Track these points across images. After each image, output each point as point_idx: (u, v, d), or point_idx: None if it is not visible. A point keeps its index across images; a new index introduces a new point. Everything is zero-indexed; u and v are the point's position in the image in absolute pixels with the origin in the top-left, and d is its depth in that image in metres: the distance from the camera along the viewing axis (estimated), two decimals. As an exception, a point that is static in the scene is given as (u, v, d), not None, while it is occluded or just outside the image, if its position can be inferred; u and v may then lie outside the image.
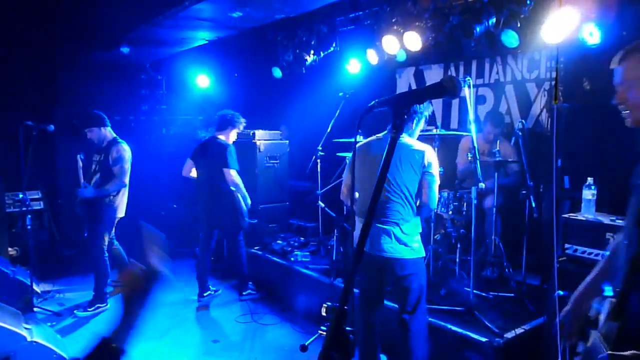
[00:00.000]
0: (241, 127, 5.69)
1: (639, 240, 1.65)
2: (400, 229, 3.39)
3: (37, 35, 6.39)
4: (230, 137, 5.60)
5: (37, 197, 6.76)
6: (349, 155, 5.27)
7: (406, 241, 3.39)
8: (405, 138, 3.49)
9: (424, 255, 3.53)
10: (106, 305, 5.41)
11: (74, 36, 6.40)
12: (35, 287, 5.30)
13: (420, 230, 3.55)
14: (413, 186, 3.41)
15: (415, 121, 3.53)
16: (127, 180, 5.35)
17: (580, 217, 3.78)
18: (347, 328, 1.19)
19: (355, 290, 3.82)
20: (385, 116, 3.34)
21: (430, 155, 3.44)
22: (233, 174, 5.39)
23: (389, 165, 1.29)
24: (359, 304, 3.73)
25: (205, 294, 5.63)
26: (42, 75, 7.20)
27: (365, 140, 3.74)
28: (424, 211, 3.50)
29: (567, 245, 3.72)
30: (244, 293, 5.74)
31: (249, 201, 5.60)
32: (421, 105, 3.48)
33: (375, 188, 1.31)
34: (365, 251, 3.42)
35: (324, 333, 1.21)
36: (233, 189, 5.43)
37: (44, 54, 6.99)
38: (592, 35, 4.08)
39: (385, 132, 3.61)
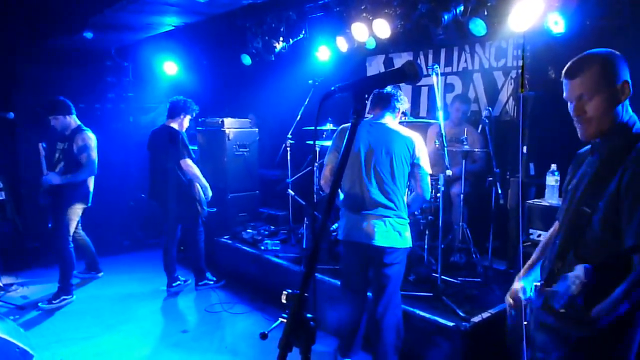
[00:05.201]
0: (194, 114, 5.55)
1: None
2: (395, 217, 3.40)
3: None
4: (184, 124, 5.46)
5: (-2, 187, 6.55)
6: (319, 143, 5.26)
7: (400, 230, 3.41)
8: (391, 123, 3.48)
9: (411, 245, 3.54)
10: (72, 297, 5.29)
11: (33, 20, 6.16)
12: (-3, 280, 5.17)
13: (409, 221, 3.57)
14: (403, 175, 3.43)
15: (396, 107, 3.51)
16: (94, 168, 5.24)
17: (544, 203, 3.86)
18: (308, 315, 1.18)
19: (338, 282, 3.85)
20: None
21: (421, 145, 3.46)
22: (190, 164, 5.27)
23: (349, 152, 1.28)
24: (346, 296, 3.72)
25: (174, 284, 5.57)
26: (1, 61, 6.94)
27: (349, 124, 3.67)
28: (418, 201, 3.55)
29: (531, 231, 3.80)
30: (200, 283, 5.68)
31: (210, 192, 5.50)
32: (398, 95, 3.49)
33: (336, 174, 1.29)
34: (354, 241, 3.45)
35: (285, 320, 1.19)
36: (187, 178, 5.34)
37: (2, 39, 6.72)
38: (557, 24, 4.14)
39: (371, 116, 3.56)
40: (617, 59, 1.83)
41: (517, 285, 2.12)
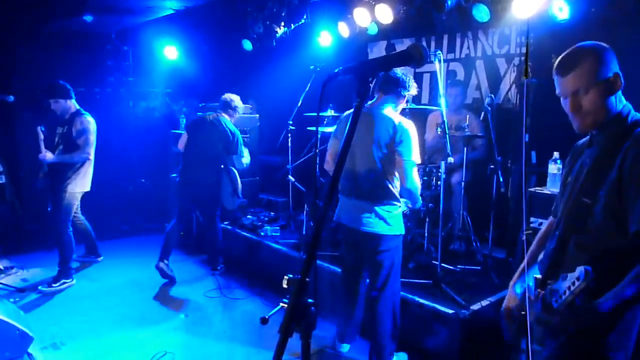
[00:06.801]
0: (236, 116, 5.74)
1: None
2: (380, 204, 3.35)
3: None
4: (232, 119, 5.62)
5: (-3, 171, 6.54)
6: (321, 129, 5.23)
7: (385, 217, 3.36)
8: (387, 110, 3.36)
9: (403, 233, 3.48)
10: (72, 280, 5.30)
11: (33, 2, 6.11)
12: (-3, 263, 5.17)
13: (404, 209, 3.54)
14: (388, 161, 3.30)
15: (401, 94, 3.39)
16: (92, 152, 5.22)
17: (545, 191, 3.85)
18: (309, 300, 1.17)
19: (337, 268, 3.87)
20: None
21: (407, 131, 3.25)
22: (244, 161, 5.52)
23: (352, 136, 1.26)
24: (342, 278, 3.81)
25: (165, 261, 5.50)
26: (0, 44, 6.88)
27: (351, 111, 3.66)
28: (405, 194, 3.38)
29: (532, 219, 3.78)
30: (218, 268, 5.71)
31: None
32: (407, 81, 3.38)
33: (338, 160, 1.28)
34: (345, 225, 3.50)
35: (286, 305, 1.19)
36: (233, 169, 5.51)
37: (1, 22, 6.65)
38: (562, 11, 4.10)
39: (373, 100, 3.45)
40: (606, 51, 1.83)
41: (511, 294, 2.12)
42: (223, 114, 5.53)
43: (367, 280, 3.66)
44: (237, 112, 5.65)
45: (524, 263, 2.16)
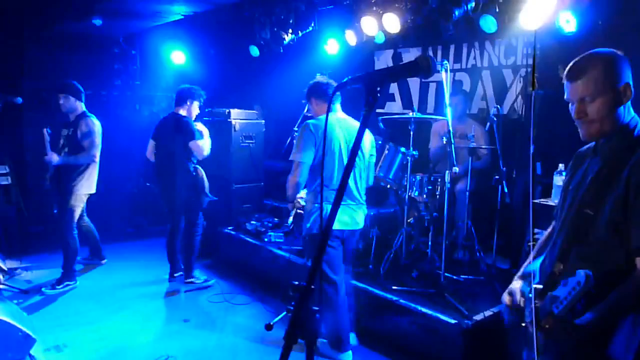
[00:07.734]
0: (202, 100, 5.47)
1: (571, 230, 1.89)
2: (365, 203, 3.90)
3: (2, 4, 6.13)
4: (192, 110, 5.40)
5: (4, 172, 6.55)
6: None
7: (365, 213, 3.95)
8: (350, 119, 3.83)
9: None
10: (75, 282, 5.32)
11: (43, 6, 6.16)
12: (1, 264, 5.18)
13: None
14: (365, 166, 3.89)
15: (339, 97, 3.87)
16: (97, 154, 5.24)
17: (550, 203, 3.85)
18: (314, 307, 1.18)
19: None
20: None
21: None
22: (199, 144, 5.20)
23: (359, 145, 1.28)
24: (337, 285, 3.80)
25: (176, 275, 5.56)
26: (9, 46, 6.91)
27: (321, 119, 3.74)
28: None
29: (536, 230, 3.77)
30: (187, 280, 5.46)
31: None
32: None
33: (347, 166, 1.29)
34: (342, 229, 3.72)
35: (291, 312, 1.19)
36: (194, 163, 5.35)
37: (11, 24, 6.71)
38: (569, 23, 4.12)
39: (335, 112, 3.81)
40: (620, 60, 1.80)
41: (516, 284, 2.11)
42: (179, 110, 5.32)
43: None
44: (193, 99, 5.35)
45: (528, 261, 2.17)
